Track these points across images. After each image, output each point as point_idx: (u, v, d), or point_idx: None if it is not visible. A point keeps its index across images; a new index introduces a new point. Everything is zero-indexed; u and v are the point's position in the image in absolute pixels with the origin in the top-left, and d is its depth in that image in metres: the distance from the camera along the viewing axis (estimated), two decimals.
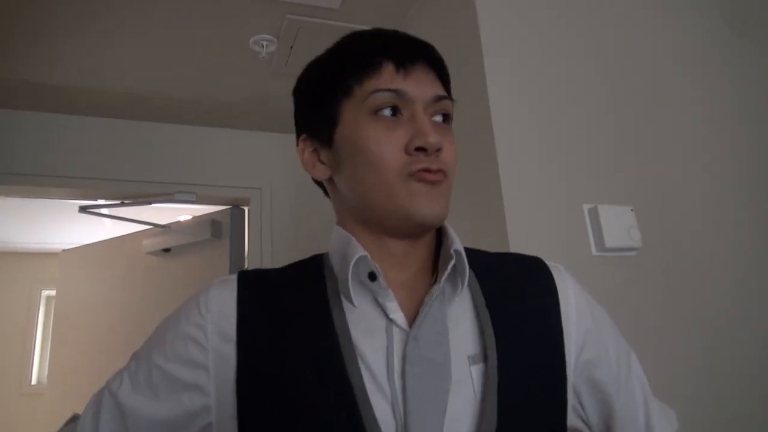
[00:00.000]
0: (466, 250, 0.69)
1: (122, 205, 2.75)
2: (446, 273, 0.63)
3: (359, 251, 0.62)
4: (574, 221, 1.32)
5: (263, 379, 0.60)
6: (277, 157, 2.88)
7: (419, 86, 0.65)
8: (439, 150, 0.62)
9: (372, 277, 0.62)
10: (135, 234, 3.03)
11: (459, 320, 0.64)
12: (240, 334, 0.62)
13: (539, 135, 1.36)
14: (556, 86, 1.42)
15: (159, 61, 2.18)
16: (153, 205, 2.73)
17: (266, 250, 2.75)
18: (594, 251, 1.32)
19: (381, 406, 0.57)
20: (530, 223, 1.28)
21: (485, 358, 0.61)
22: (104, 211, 2.84)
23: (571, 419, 0.69)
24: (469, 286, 0.66)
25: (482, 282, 0.68)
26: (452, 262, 0.63)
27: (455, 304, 0.65)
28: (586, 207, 1.34)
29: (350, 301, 0.62)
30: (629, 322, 1.28)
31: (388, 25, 2.07)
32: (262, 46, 2.04)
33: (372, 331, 0.61)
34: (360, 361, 0.59)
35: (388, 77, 0.64)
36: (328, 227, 0.73)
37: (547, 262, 0.74)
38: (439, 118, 0.67)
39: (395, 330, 0.61)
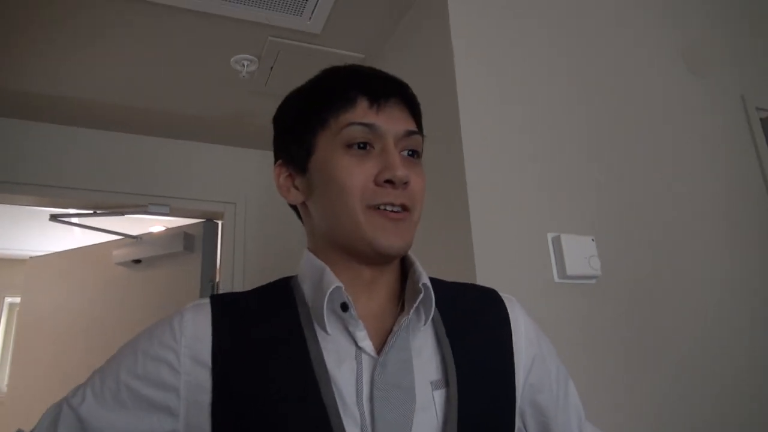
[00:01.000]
0: (430, 280, 0.72)
1: (95, 215, 2.74)
2: (414, 306, 0.66)
3: (334, 282, 0.65)
4: (538, 249, 1.38)
5: (240, 404, 0.62)
6: (253, 172, 2.91)
7: (391, 121, 0.68)
8: (406, 183, 0.66)
9: (344, 307, 0.65)
10: (105, 244, 3.01)
11: (422, 348, 0.68)
12: (215, 359, 0.63)
13: (509, 166, 1.42)
14: (526, 123, 1.49)
15: (139, 73, 2.20)
16: (126, 216, 2.73)
17: (238, 264, 2.76)
18: (556, 278, 1.37)
19: (351, 430, 0.60)
20: (497, 251, 1.33)
21: (447, 384, 0.65)
22: (75, 220, 2.82)
23: None
24: (432, 316, 0.70)
25: (443, 312, 0.72)
26: (421, 296, 0.66)
27: (419, 333, 0.68)
28: (549, 236, 1.40)
29: (324, 329, 0.64)
30: (588, 346, 1.34)
31: (367, 51, 2.15)
32: (243, 65, 2.08)
33: (343, 358, 0.64)
34: (335, 391, 0.62)
35: (361, 112, 0.68)
36: (301, 245, 0.76)
37: (501, 293, 0.79)
38: (408, 153, 0.70)
39: (364, 357, 0.64)
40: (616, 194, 1.54)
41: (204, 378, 0.63)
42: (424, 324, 0.68)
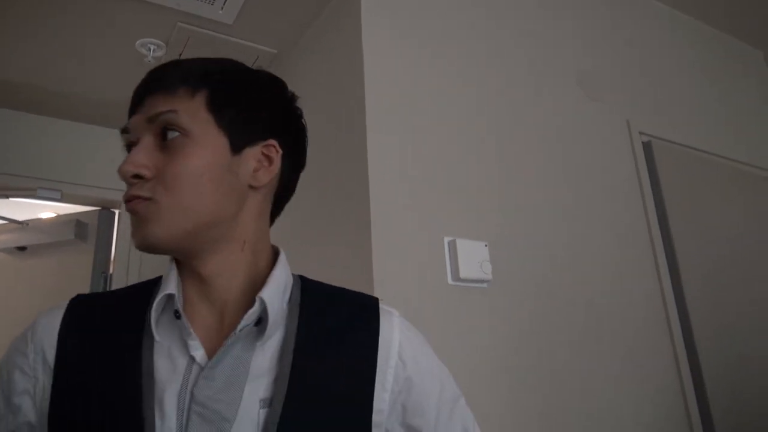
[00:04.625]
0: (305, 281, 0.71)
1: None
2: (243, 321, 0.62)
3: (168, 288, 0.63)
4: (434, 252, 1.43)
5: (65, 415, 0.61)
6: None
7: (142, 116, 0.64)
8: (137, 177, 0.61)
9: (178, 314, 0.63)
10: None
11: (262, 362, 0.63)
12: (56, 365, 0.63)
13: (411, 171, 1.46)
14: (430, 129, 1.54)
15: (33, 48, 2.06)
16: (11, 199, 2.54)
17: (134, 256, 2.64)
18: (450, 281, 1.43)
19: None
20: (395, 252, 1.37)
21: (271, 403, 0.61)
22: None
23: None
24: (287, 325, 0.66)
25: (304, 320, 0.67)
26: (252, 309, 0.62)
27: (267, 344, 0.64)
28: (446, 239, 1.46)
29: (153, 336, 0.62)
30: (478, 345, 1.41)
31: (280, 47, 2.13)
32: (149, 49, 2.01)
33: (174, 368, 0.61)
34: (156, 402, 0.59)
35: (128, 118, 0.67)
36: None
37: (382, 305, 0.74)
38: (164, 137, 0.64)
39: (195, 368, 0.61)
40: (509, 204, 1.62)
41: (48, 383, 0.63)
42: (262, 339, 0.63)
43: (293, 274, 0.73)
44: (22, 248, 2.71)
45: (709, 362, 1.80)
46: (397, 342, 0.71)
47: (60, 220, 2.72)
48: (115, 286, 2.56)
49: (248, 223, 0.68)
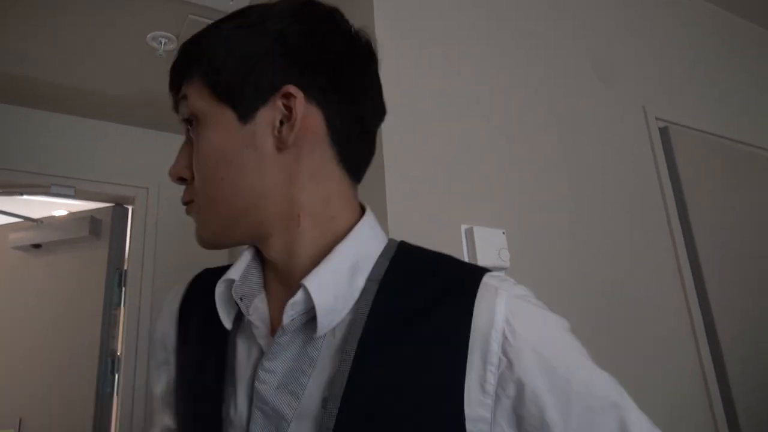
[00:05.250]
0: (401, 250, 0.61)
1: None
2: (287, 311, 0.53)
3: (232, 273, 0.58)
4: (451, 240, 1.42)
5: (176, 392, 0.67)
6: (169, 157, 2.74)
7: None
8: (181, 179, 0.60)
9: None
10: (0, 226, 2.81)
11: (329, 355, 0.54)
12: (177, 341, 0.68)
13: (427, 160, 1.45)
14: (445, 118, 1.52)
15: (45, 44, 2.06)
16: (25, 197, 2.56)
17: (149, 252, 2.65)
18: None
19: None
20: (411, 239, 1.32)
21: (326, 404, 0.52)
22: None
23: None
24: (357, 308, 0.55)
25: (375, 303, 0.55)
26: (293, 299, 0.53)
27: (336, 333, 0.55)
28: (463, 227, 1.44)
29: (224, 323, 0.58)
30: None
31: None
32: (161, 43, 2.01)
33: (249, 356, 0.58)
34: (232, 391, 0.57)
35: None
36: None
37: (488, 280, 0.58)
38: (189, 128, 0.60)
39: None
40: (527, 191, 1.60)
41: (173, 359, 0.69)
42: (318, 334, 0.53)
43: (392, 240, 0.63)
44: (37, 245, 2.72)
45: (731, 351, 1.77)
46: (501, 330, 0.53)
47: (74, 217, 2.73)
48: (129, 283, 2.57)
49: (295, 192, 0.56)
